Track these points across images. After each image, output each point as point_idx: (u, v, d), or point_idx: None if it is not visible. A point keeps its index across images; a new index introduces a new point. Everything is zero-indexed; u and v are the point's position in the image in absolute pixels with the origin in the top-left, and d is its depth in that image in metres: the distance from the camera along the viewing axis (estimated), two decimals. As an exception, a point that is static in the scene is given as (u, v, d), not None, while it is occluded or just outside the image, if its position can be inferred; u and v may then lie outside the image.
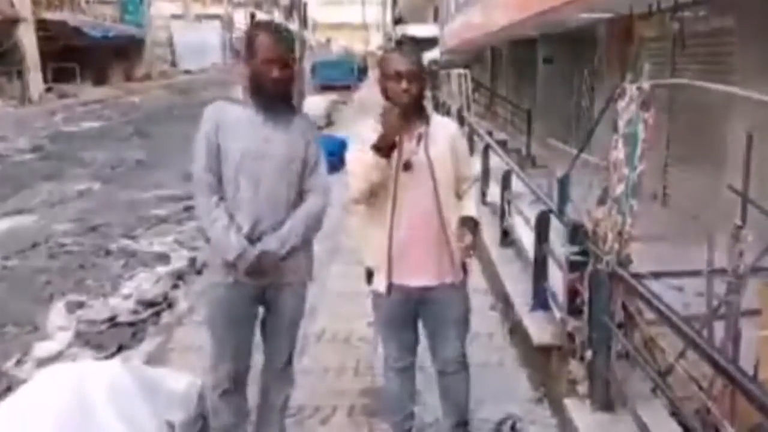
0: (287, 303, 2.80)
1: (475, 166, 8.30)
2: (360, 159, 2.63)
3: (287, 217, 2.67)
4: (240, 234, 2.60)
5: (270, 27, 2.70)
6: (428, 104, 2.84)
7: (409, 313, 2.85)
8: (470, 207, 2.81)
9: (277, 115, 2.64)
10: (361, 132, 2.77)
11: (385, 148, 2.57)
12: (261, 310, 2.83)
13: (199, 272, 5.83)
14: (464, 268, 2.83)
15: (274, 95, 2.60)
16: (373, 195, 2.68)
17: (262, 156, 2.61)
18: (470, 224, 2.69)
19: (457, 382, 2.93)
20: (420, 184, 2.67)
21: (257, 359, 2.91)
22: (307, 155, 2.71)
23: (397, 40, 38.43)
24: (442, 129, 2.79)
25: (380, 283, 2.77)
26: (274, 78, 2.56)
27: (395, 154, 2.62)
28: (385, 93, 2.68)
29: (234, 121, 2.62)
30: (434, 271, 2.75)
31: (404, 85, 2.60)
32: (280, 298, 2.77)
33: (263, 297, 2.76)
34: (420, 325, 2.92)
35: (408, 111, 2.62)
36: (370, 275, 2.82)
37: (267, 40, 2.57)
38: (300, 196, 2.72)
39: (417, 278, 2.74)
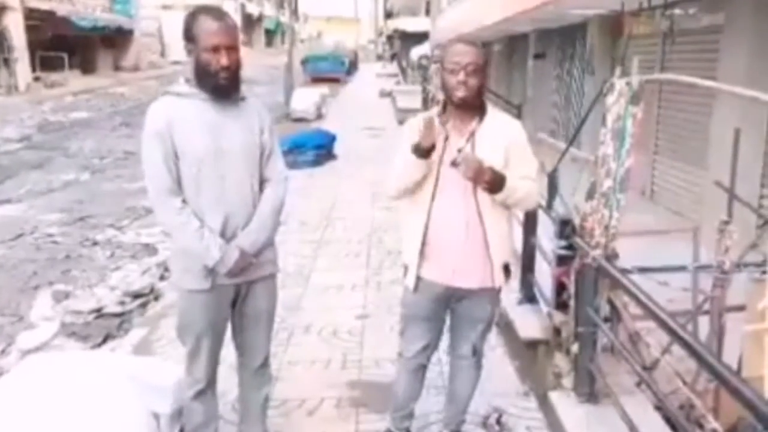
0: (261, 298, 2.71)
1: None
2: (402, 157, 2.54)
3: (255, 209, 2.57)
4: (215, 236, 2.47)
5: (211, 11, 2.44)
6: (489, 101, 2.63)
7: (438, 313, 2.77)
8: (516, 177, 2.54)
9: (228, 104, 2.49)
10: (413, 124, 2.65)
11: (421, 152, 2.47)
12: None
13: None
14: (507, 270, 2.71)
15: (225, 84, 2.42)
16: (417, 187, 2.60)
17: (222, 149, 2.46)
18: (492, 169, 2.46)
19: (467, 373, 2.92)
20: (462, 183, 2.51)
21: (231, 356, 2.87)
22: (262, 141, 2.59)
23: (388, 35, 38.44)
24: (500, 129, 2.59)
25: (410, 279, 2.69)
26: (224, 66, 2.37)
27: (442, 148, 2.52)
28: (443, 86, 2.54)
29: (186, 116, 2.44)
30: (477, 275, 2.63)
31: (461, 77, 2.44)
32: (253, 295, 2.69)
33: (237, 296, 2.67)
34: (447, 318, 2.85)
35: (462, 106, 2.51)
36: (407, 269, 2.73)
37: (211, 25, 2.37)
38: (261, 185, 2.60)
39: (458, 279, 2.63)
